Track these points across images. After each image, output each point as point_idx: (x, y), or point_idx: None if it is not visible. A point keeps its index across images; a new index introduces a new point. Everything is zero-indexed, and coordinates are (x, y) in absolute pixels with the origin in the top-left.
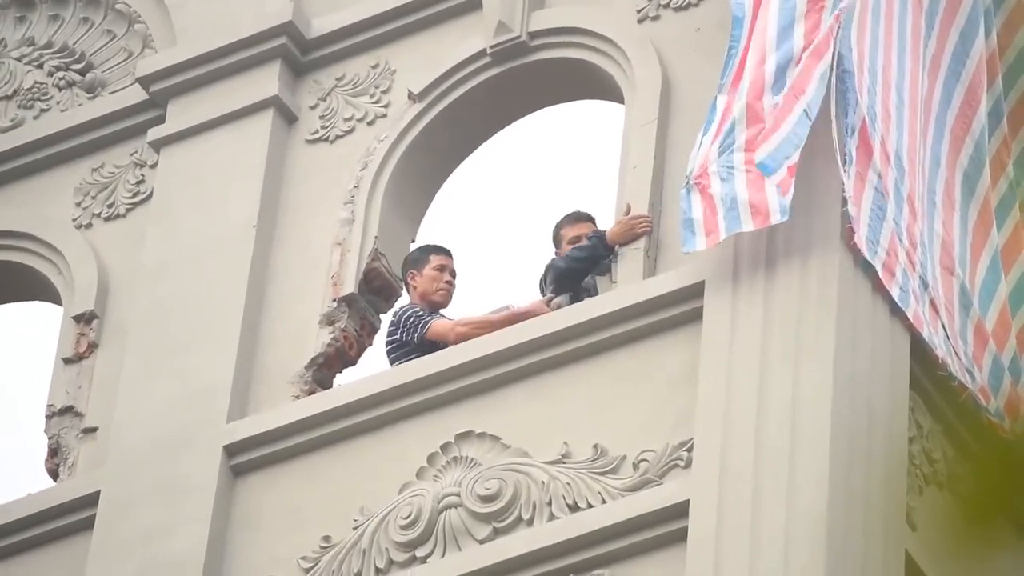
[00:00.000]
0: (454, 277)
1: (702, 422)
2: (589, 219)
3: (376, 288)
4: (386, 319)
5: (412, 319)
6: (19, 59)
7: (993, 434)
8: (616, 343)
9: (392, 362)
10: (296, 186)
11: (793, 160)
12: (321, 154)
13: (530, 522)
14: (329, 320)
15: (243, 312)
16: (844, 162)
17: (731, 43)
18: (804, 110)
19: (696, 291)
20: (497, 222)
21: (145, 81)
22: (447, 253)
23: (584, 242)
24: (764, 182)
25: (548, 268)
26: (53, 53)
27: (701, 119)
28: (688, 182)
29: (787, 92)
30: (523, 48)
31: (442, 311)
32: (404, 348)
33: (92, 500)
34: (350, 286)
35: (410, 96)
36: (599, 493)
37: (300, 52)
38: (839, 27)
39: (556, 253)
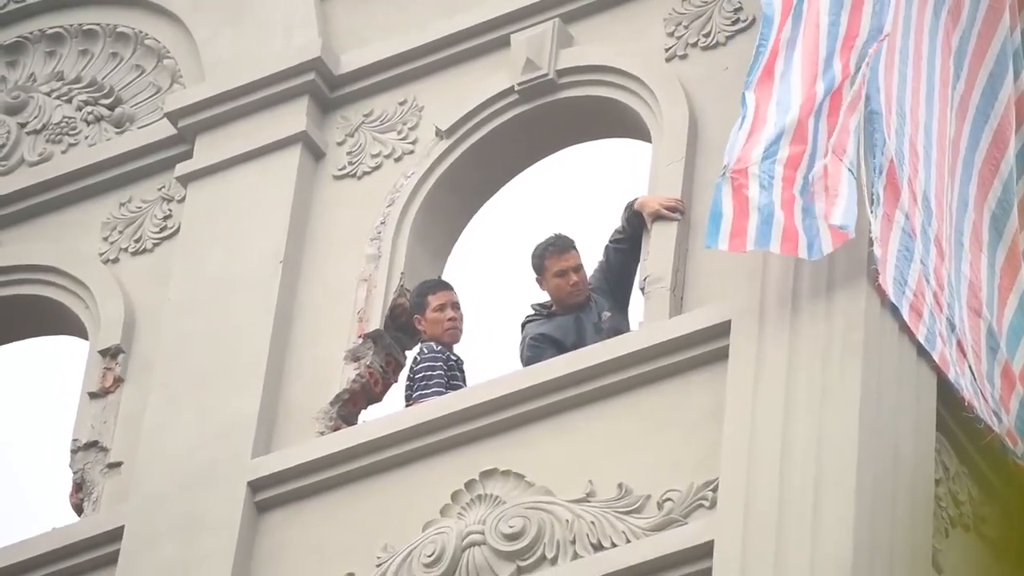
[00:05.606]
0: (457, 309)
1: (727, 462)
2: (574, 246)
3: (402, 324)
4: (411, 356)
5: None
6: (48, 94)
7: (1020, 477)
8: (641, 382)
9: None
10: (323, 222)
11: (850, 230)
12: (348, 190)
13: (554, 561)
14: (354, 356)
15: (269, 348)
16: (871, 203)
17: (760, 41)
18: (849, 169)
19: (722, 330)
20: (523, 260)
21: (173, 116)
22: (445, 287)
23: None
24: (795, 206)
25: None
26: (82, 88)
27: None
28: (725, 173)
29: (832, 156)
30: (551, 86)
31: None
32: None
33: (116, 535)
34: (376, 322)
35: (438, 133)
36: (623, 532)
37: (328, 88)
38: (870, 74)
39: (537, 280)
